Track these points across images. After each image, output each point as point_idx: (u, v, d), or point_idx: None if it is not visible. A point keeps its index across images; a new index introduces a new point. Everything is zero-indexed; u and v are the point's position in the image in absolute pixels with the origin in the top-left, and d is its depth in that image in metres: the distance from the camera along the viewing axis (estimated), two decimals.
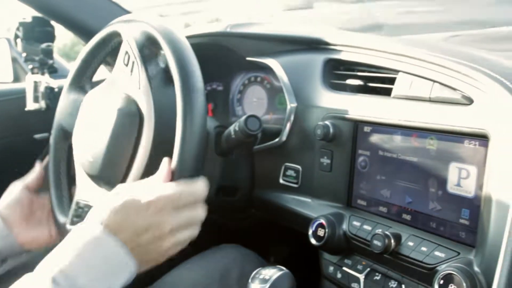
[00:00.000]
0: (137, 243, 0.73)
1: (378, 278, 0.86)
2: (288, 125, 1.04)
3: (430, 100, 0.82)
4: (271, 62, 1.11)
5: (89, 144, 0.96)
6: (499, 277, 0.60)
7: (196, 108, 0.81)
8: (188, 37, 1.25)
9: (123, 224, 0.73)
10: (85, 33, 1.50)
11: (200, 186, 0.80)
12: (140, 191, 0.76)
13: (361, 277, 0.88)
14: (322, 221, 0.90)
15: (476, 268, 0.69)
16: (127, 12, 1.52)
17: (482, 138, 0.73)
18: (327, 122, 0.94)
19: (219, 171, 1.09)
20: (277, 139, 1.06)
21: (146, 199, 0.74)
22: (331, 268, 0.94)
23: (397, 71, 0.90)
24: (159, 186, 0.78)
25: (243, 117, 0.99)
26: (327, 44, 1.05)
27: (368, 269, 0.88)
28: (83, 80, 1.10)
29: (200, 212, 0.80)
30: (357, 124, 0.93)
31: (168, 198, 0.76)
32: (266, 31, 1.18)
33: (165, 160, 0.81)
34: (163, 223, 0.75)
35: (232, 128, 1.02)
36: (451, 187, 0.78)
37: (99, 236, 0.71)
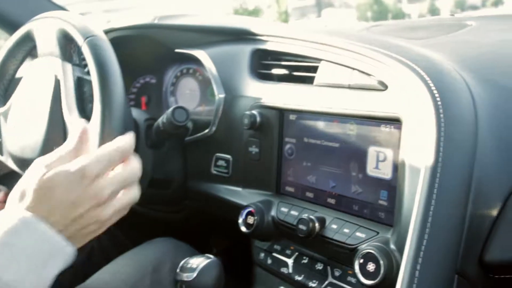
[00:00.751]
0: (71, 218, 0.65)
1: (305, 261, 0.88)
2: (217, 116, 1.05)
3: (350, 87, 0.85)
4: (199, 53, 1.11)
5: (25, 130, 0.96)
6: (407, 254, 0.63)
7: (111, 72, 0.84)
8: (115, 30, 1.24)
9: (52, 202, 0.64)
10: (10, 26, 1.45)
11: (128, 139, 0.72)
12: (64, 159, 0.68)
13: (290, 261, 0.90)
14: (251, 209, 0.92)
15: (392, 246, 0.72)
16: (55, 5, 1.48)
17: (396, 122, 0.76)
18: (254, 112, 0.96)
19: (150, 164, 1.08)
20: (207, 130, 1.07)
21: (76, 167, 0.66)
22: (262, 255, 0.96)
23: (319, 60, 0.92)
24: (85, 150, 0.71)
25: (170, 109, 0.99)
26: (254, 34, 1.06)
27: (296, 253, 0.90)
28: None
29: (136, 167, 0.72)
30: (283, 113, 0.94)
31: (100, 160, 0.68)
32: (194, 23, 1.18)
33: (80, 120, 0.80)
34: (100, 190, 0.67)
35: (161, 120, 1.02)
36: (370, 170, 0.81)
37: (24, 222, 0.63)
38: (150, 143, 1.07)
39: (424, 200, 0.64)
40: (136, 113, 1.09)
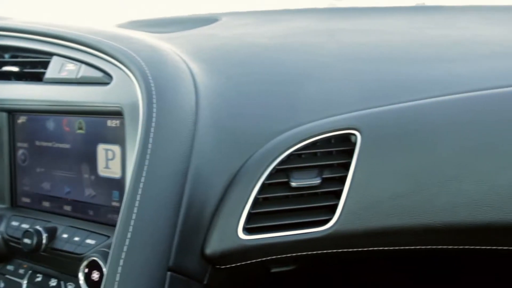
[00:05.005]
0: None
1: (39, 279, 0.78)
2: None
3: (78, 82, 0.77)
4: None
5: None
6: (111, 255, 0.58)
7: None
8: None
9: None
10: None
11: None
12: None
13: (24, 282, 0.80)
14: None
15: None
16: None
17: (119, 116, 0.71)
18: None
19: None
20: None
21: None
22: None
23: (51, 54, 0.83)
24: None
25: None
26: None
27: (30, 271, 0.80)
28: None
29: None
30: (13, 115, 0.84)
31: None
32: None
33: None
34: None
35: None
36: (101, 170, 0.74)
37: None
38: None
39: (130, 196, 0.59)
40: None
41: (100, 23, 1.12)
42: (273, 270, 0.73)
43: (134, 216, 0.58)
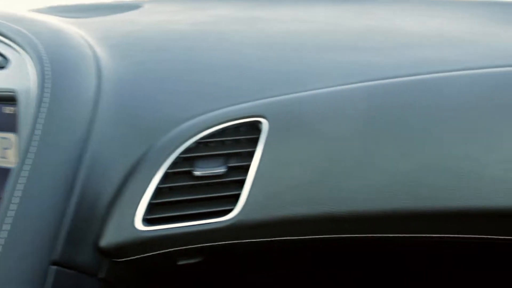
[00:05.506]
0: None
1: None
2: None
3: None
4: None
5: None
6: None
7: None
8: None
9: None
10: None
11: None
12: None
13: None
14: None
15: None
16: None
17: (13, 102, 0.67)
18: None
19: None
20: None
21: None
22: None
23: None
24: None
25: None
26: None
27: None
28: None
29: None
30: None
31: None
32: None
33: None
34: None
35: None
36: None
37: None
38: None
39: (11, 186, 0.55)
40: None
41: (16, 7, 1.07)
42: (180, 263, 0.71)
43: (14, 207, 0.54)
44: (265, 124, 0.66)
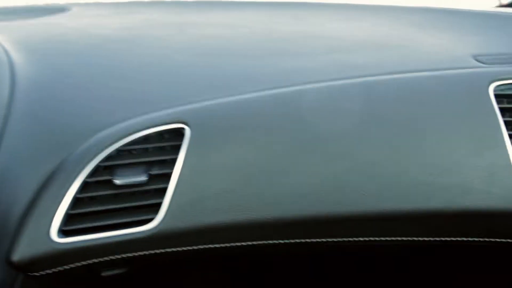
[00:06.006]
0: None
1: None
2: None
3: None
4: None
5: None
6: None
7: None
8: None
9: None
10: None
11: None
12: None
13: None
14: None
15: None
16: None
17: None
18: None
19: None
20: None
21: None
22: None
23: None
24: None
25: None
26: None
27: None
28: None
29: None
30: None
31: None
32: None
33: None
34: None
35: None
36: None
37: None
38: None
39: None
40: None
41: None
42: (104, 274, 0.69)
43: None
44: (187, 130, 0.65)
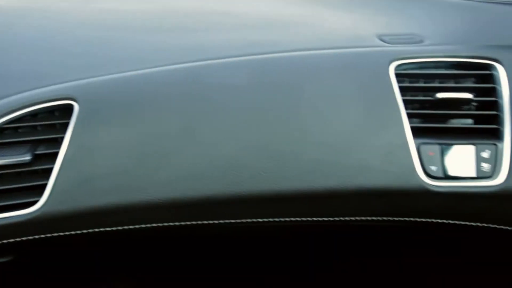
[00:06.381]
0: None
1: None
2: None
3: None
4: None
5: None
6: None
7: None
8: None
9: None
10: None
11: None
12: None
13: None
14: None
15: None
16: None
17: None
18: None
19: None
20: None
21: None
22: None
23: None
24: None
25: None
26: None
27: None
28: None
29: None
30: None
31: None
32: None
33: None
34: None
35: None
36: None
37: None
38: None
39: None
40: None
41: None
42: None
43: None
44: (76, 107, 0.61)
